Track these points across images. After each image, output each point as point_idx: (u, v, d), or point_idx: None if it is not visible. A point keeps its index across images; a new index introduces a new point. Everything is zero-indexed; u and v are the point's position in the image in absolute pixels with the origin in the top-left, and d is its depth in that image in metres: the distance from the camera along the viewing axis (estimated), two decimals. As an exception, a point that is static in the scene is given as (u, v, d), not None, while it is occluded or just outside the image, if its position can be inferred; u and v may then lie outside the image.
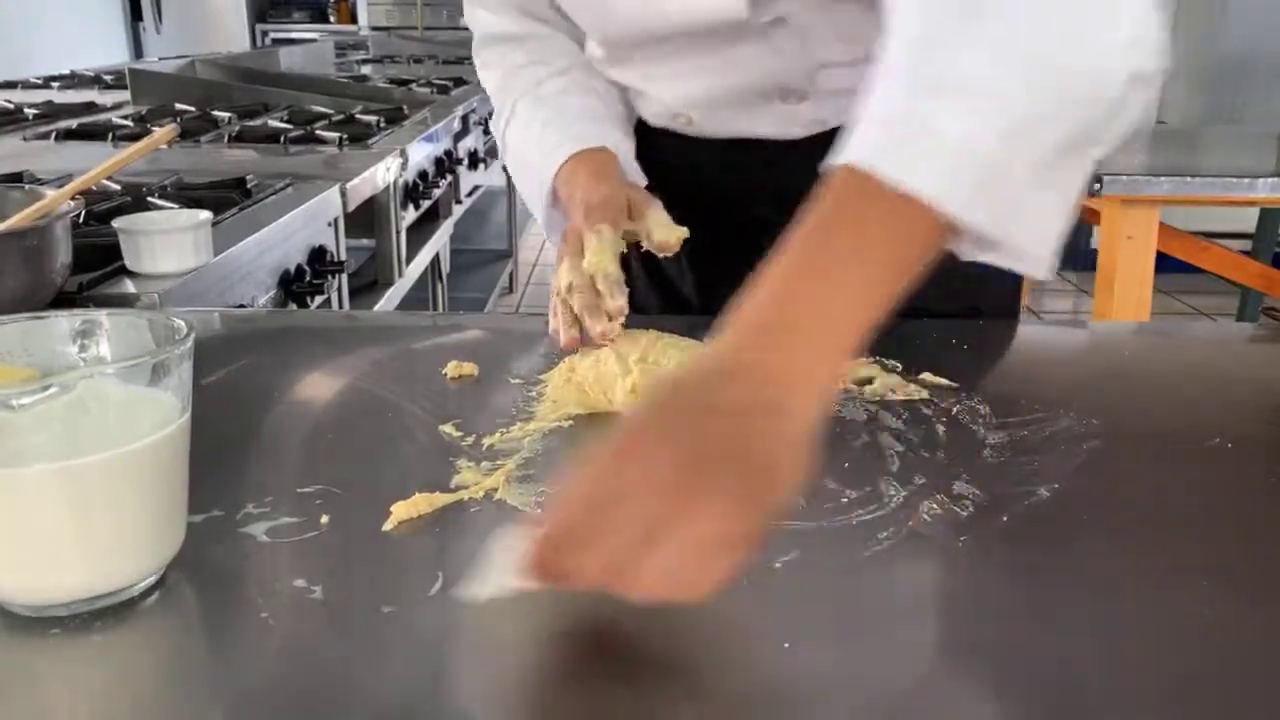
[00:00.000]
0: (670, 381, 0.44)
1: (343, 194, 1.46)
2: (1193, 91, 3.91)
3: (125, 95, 2.42)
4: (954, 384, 0.70)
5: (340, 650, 0.43)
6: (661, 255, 0.78)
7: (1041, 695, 0.41)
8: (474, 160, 2.59)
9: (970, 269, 0.54)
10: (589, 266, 0.72)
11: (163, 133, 0.90)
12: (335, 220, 1.47)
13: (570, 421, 0.65)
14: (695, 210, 0.81)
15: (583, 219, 0.76)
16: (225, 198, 1.31)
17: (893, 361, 0.73)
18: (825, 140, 0.62)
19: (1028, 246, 0.51)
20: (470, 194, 2.63)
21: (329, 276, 1.39)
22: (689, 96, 0.87)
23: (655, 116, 0.92)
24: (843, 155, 0.49)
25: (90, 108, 2.27)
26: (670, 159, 0.91)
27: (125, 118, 2.01)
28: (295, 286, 1.31)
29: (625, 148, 0.87)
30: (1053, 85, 0.49)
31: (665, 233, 0.77)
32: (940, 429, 0.64)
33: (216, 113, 2.07)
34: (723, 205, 0.89)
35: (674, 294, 0.98)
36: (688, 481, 0.40)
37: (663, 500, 0.39)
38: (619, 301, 0.70)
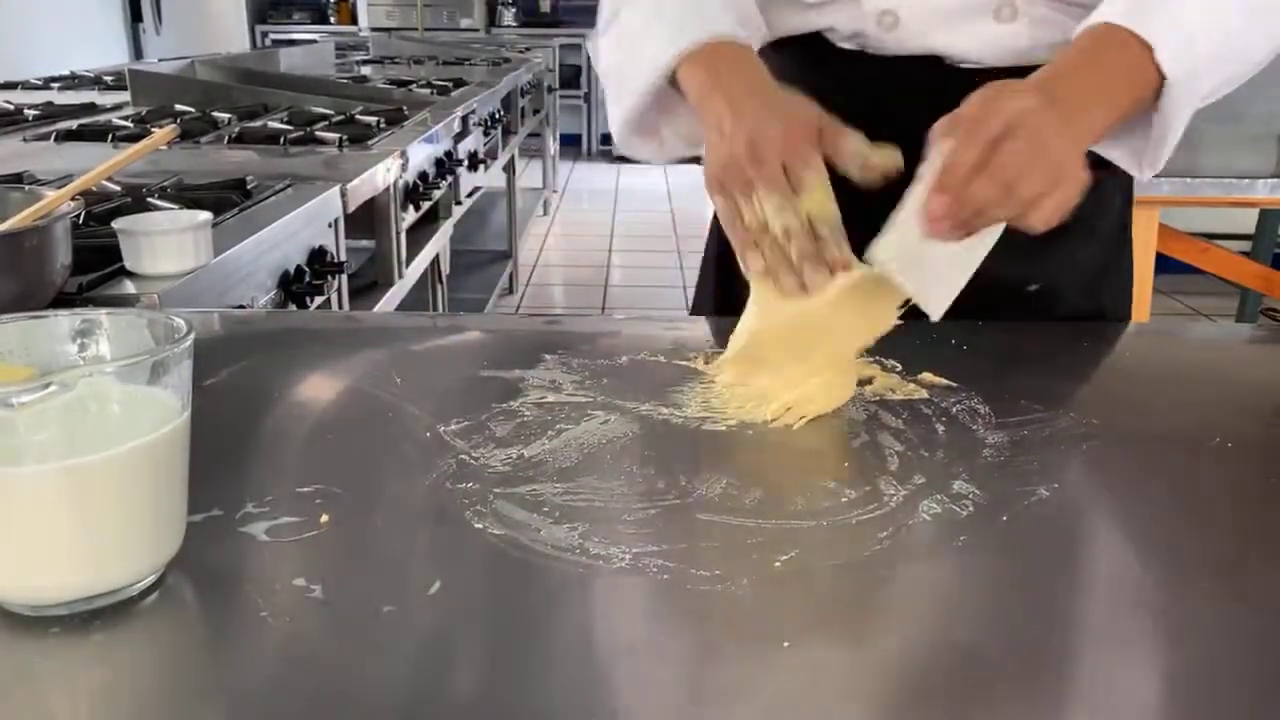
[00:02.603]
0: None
1: (343, 195, 1.46)
2: (1192, 92, 3.90)
3: (125, 96, 2.41)
4: (954, 384, 0.70)
5: (340, 650, 0.43)
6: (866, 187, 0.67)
7: (1041, 695, 0.41)
8: (474, 161, 2.59)
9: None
10: (813, 208, 0.65)
11: (163, 134, 0.90)
12: (335, 221, 1.47)
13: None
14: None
15: (784, 143, 0.66)
16: (225, 198, 1.31)
17: (892, 361, 0.73)
18: (1017, 75, 0.72)
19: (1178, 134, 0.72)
20: (470, 195, 2.63)
21: (329, 277, 1.39)
22: None
23: (850, 21, 0.84)
24: (1095, 18, 0.69)
25: (90, 109, 2.27)
26: (830, 88, 0.77)
27: (125, 119, 2.01)
28: (295, 287, 1.31)
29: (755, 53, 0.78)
30: None
31: (882, 156, 0.66)
32: (940, 429, 0.64)
33: (216, 114, 2.07)
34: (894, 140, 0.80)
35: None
36: (1042, 118, 0.62)
37: (1033, 125, 0.61)
38: (846, 253, 0.65)
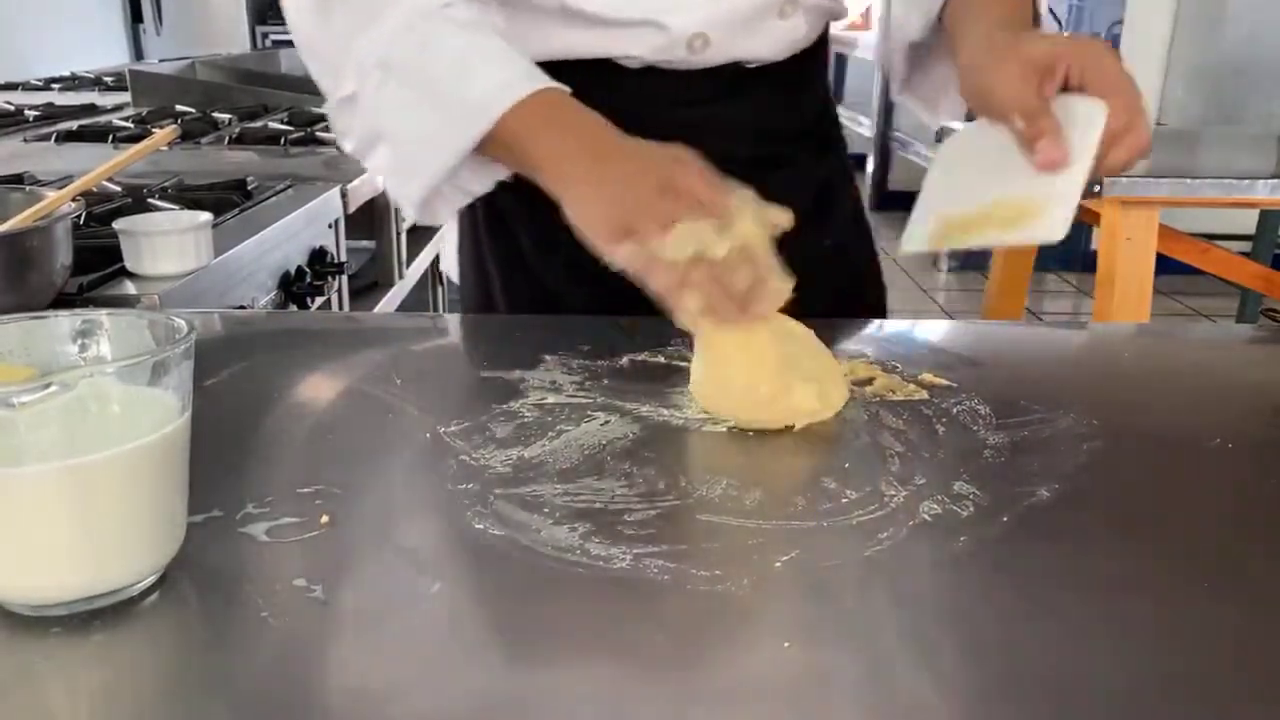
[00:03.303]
0: None
1: (343, 195, 1.47)
2: (1193, 92, 3.91)
3: (126, 97, 2.42)
4: (953, 384, 0.70)
5: (340, 650, 0.43)
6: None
7: (1042, 695, 0.41)
8: (474, 162, 2.58)
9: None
10: (748, 238, 0.62)
11: (163, 134, 0.90)
12: (336, 222, 1.47)
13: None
14: None
15: (698, 176, 0.64)
16: (226, 199, 1.31)
17: (893, 362, 0.73)
18: (795, 64, 0.85)
19: None
20: (470, 195, 2.62)
21: (329, 278, 1.39)
22: (712, 15, 0.82)
23: (656, 48, 0.83)
24: None
25: (90, 109, 2.27)
26: (626, 105, 0.78)
27: (126, 119, 2.01)
28: (295, 288, 1.31)
29: None
30: None
31: (775, 212, 0.65)
32: (940, 429, 0.64)
33: (217, 114, 2.07)
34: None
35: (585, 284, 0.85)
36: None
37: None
38: (787, 281, 0.63)
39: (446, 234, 1.01)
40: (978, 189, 0.67)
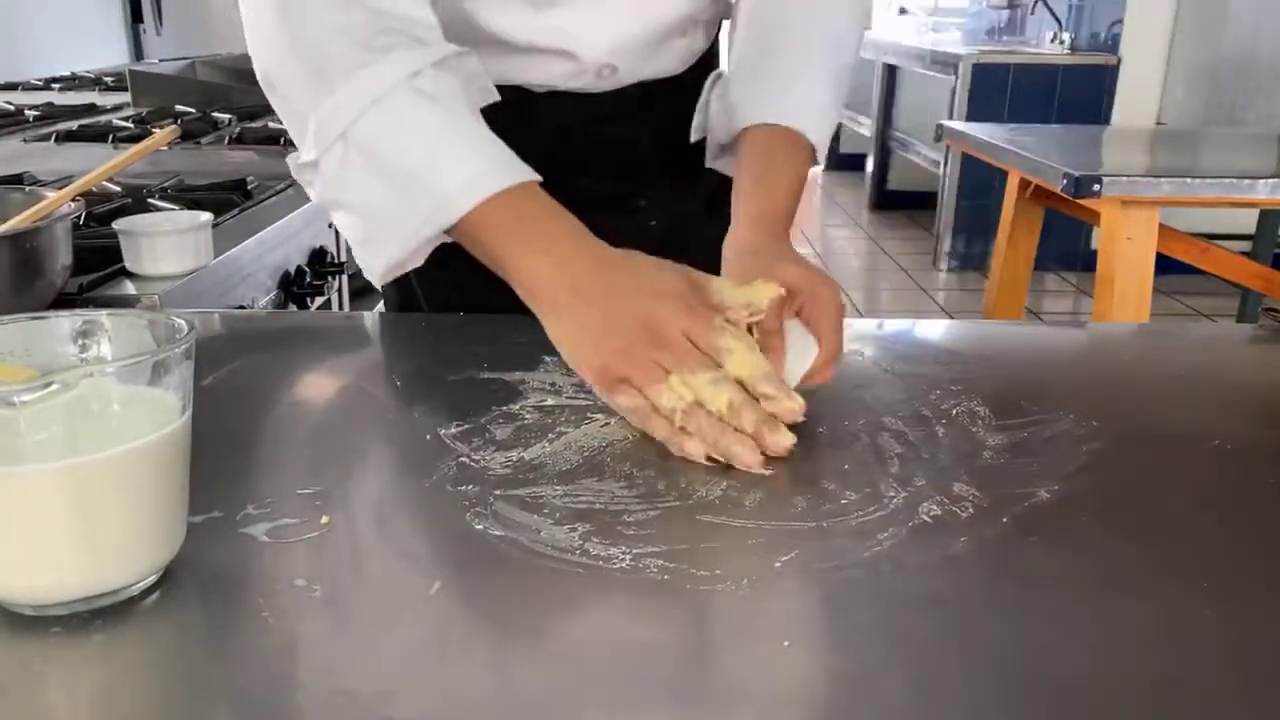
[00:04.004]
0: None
1: (343, 195, 1.46)
2: (1193, 92, 3.92)
3: (125, 97, 2.42)
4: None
5: (341, 651, 0.43)
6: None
7: (1042, 696, 0.41)
8: (474, 162, 2.59)
9: None
10: (748, 370, 0.61)
11: (163, 134, 0.90)
12: (336, 222, 1.47)
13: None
14: (570, 181, 0.72)
15: (682, 315, 0.62)
16: (226, 199, 1.31)
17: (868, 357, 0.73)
18: (694, 73, 0.92)
19: None
20: (470, 195, 2.62)
21: (329, 278, 1.39)
22: (620, 44, 0.85)
23: (564, 75, 0.85)
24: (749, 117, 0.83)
25: (90, 109, 2.28)
26: (535, 128, 0.80)
27: (126, 119, 2.01)
28: (295, 288, 1.31)
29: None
30: None
31: (760, 291, 0.66)
32: (940, 430, 0.64)
33: (217, 114, 2.07)
34: (596, 165, 0.90)
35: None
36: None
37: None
38: (799, 400, 0.62)
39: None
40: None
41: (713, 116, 0.89)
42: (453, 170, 0.66)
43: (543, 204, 0.67)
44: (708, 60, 0.96)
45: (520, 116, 0.78)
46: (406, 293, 0.95)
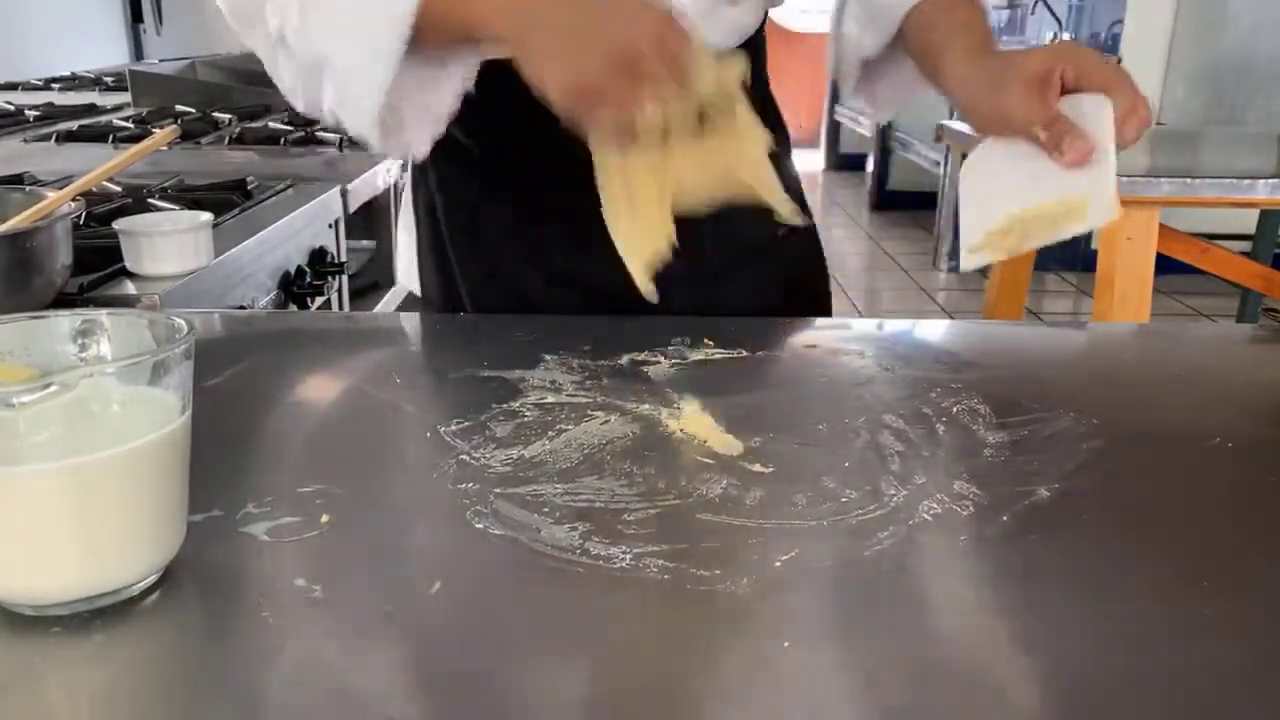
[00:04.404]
0: None
1: (343, 195, 1.47)
2: (1193, 92, 3.92)
3: (126, 97, 2.42)
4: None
5: (341, 650, 0.43)
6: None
7: (1041, 695, 0.41)
8: (474, 162, 2.59)
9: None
10: (718, 86, 0.63)
11: (163, 134, 0.90)
12: (336, 222, 1.47)
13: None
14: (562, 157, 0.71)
15: (660, 51, 0.61)
16: (226, 199, 1.31)
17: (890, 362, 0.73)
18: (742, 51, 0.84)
19: None
20: (470, 195, 2.62)
21: (329, 278, 1.39)
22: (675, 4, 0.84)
23: None
24: None
25: (91, 109, 2.28)
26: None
27: (126, 119, 2.01)
28: (296, 288, 1.31)
29: None
30: None
31: (723, 67, 0.65)
32: (940, 429, 0.64)
33: (217, 114, 2.07)
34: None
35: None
36: None
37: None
38: (760, 128, 0.64)
39: (402, 247, 1.01)
40: (1018, 198, 0.70)
41: (850, 36, 0.87)
42: None
43: None
44: (756, 40, 0.92)
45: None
46: (454, 301, 0.94)
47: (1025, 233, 0.69)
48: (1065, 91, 0.69)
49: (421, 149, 0.76)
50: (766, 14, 0.94)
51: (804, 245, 0.99)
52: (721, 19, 0.87)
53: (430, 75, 0.71)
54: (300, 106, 0.76)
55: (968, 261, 0.71)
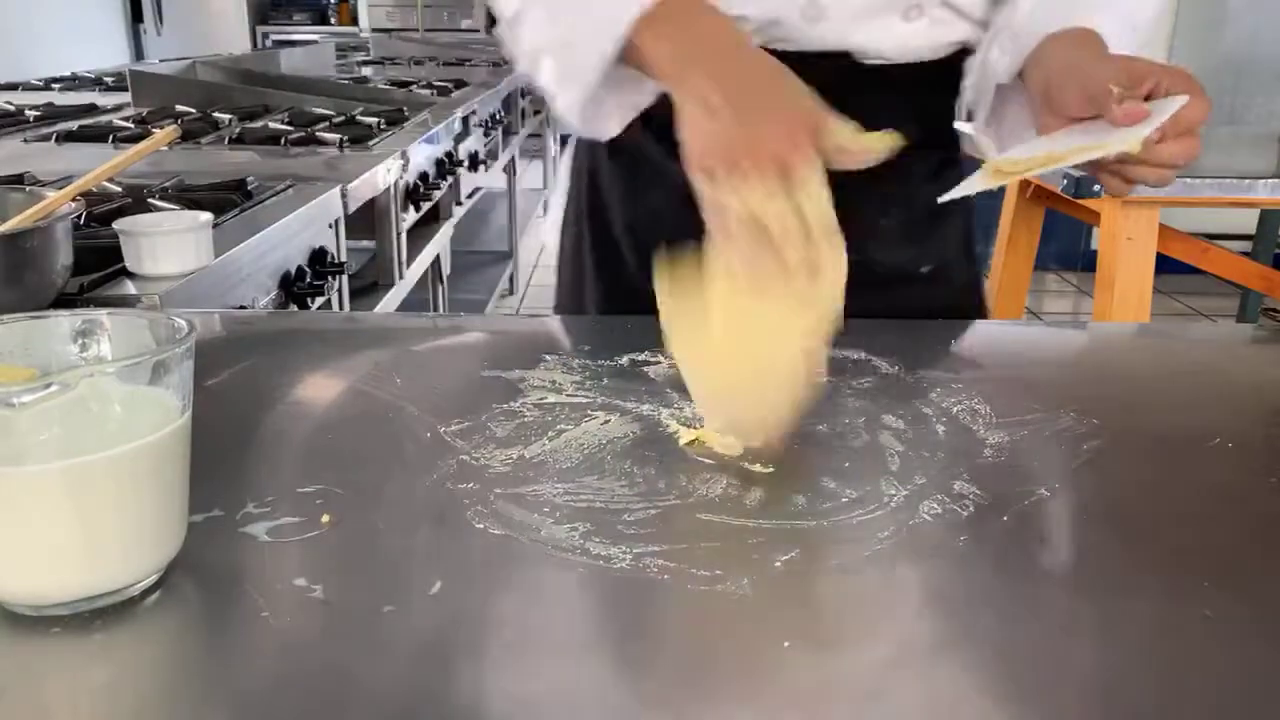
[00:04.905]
0: None
1: (343, 195, 1.47)
2: (1193, 93, 3.90)
3: (126, 97, 2.42)
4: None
5: (340, 650, 0.43)
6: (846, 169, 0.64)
7: (1042, 695, 0.41)
8: (475, 162, 2.59)
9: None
10: (809, 208, 0.60)
11: (163, 134, 0.90)
12: (336, 222, 1.47)
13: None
14: None
15: (784, 135, 0.62)
16: (226, 199, 1.31)
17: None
18: (914, 73, 0.85)
19: None
20: (471, 196, 2.63)
21: (329, 278, 1.39)
22: None
23: (770, 9, 0.83)
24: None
25: (91, 109, 2.28)
26: None
27: (126, 119, 2.01)
28: (296, 288, 1.31)
29: None
30: None
31: (872, 138, 0.64)
32: (940, 429, 0.64)
33: (217, 114, 2.07)
34: None
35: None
36: None
37: None
38: (842, 263, 0.61)
39: (552, 208, 1.04)
40: (1042, 145, 0.70)
41: (991, 62, 0.84)
42: None
43: (700, 8, 0.70)
44: (936, 70, 0.88)
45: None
46: (577, 289, 0.96)
47: (1031, 166, 0.68)
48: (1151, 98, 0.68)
49: (614, 132, 0.84)
50: (963, 52, 0.87)
51: (947, 291, 0.95)
52: (887, 29, 0.85)
53: (626, 76, 0.76)
54: (521, 68, 0.82)
55: (955, 192, 0.69)
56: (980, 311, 1.00)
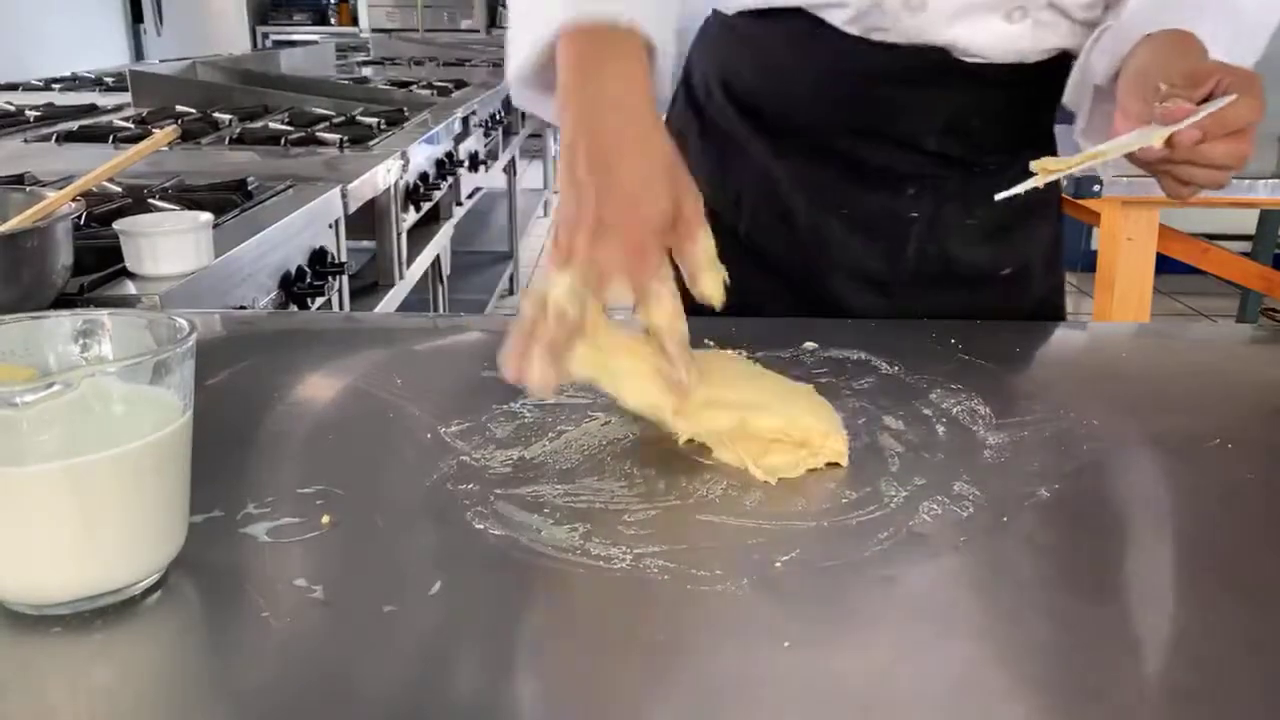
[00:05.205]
0: None
1: (343, 196, 1.47)
2: (1193, 93, 3.90)
3: (126, 97, 2.42)
4: (955, 383, 0.70)
5: (340, 650, 0.43)
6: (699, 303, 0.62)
7: (1041, 695, 0.41)
8: (475, 162, 2.59)
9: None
10: (667, 323, 0.59)
11: (163, 134, 0.90)
12: (336, 222, 1.47)
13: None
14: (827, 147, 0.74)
15: (631, 250, 0.58)
16: (226, 199, 1.31)
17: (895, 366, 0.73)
18: (1012, 74, 0.83)
19: None
20: (471, 196, 2.63)
21: (330, 278, 1.39)
22: None
23: (867, 1, 0.82)
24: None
25: (91, 110, 2.28)
26: (825, 70, 0.83)
27: (126, 120, 2.01)
28: (296, 288, 1.31)
29: (668, 40, 0.69)
30: None
31: (713, 283, 0.61)
32: (940, 429, 0.64)
33: (217, 115, 2.07)
34: (875, 136, 0.85)
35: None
36: None
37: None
38: (694, 381, 0.59)
39: None
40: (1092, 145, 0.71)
41: (1093, 65, 0.81)
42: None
43: (613, 55, 0.65)
44: (1037, 73, 0.86)
45: (811, 59, 0.81)
46: None
47: (1068, 166, 0.68)
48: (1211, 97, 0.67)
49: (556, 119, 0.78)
50: (1066, 57, 0.85)
51: (1026, 296, 0.95)
52: (988, 28, 0.83)
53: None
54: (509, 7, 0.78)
55: (1029, 181, 0.69)
56: (1059, 319, 1.00)
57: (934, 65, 0.84)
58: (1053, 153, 0.88)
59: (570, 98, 0.64)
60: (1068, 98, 0.85)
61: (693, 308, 0.62)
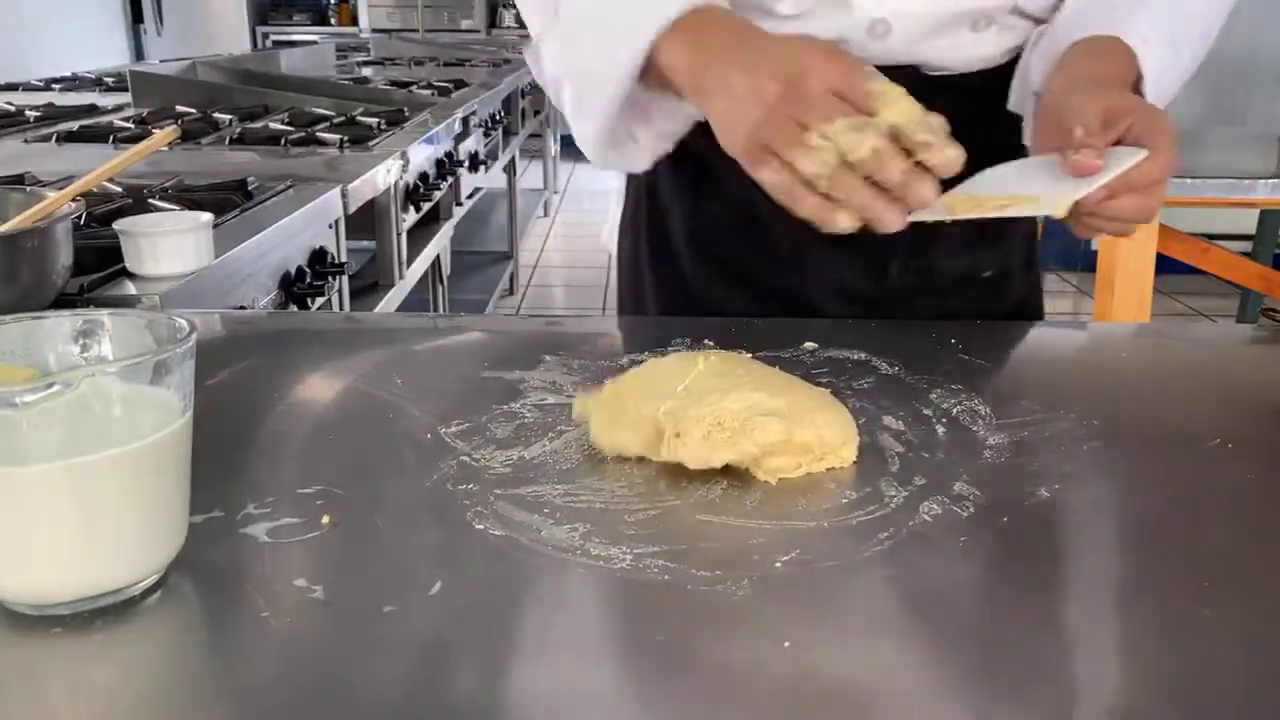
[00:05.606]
0: None
1: (343, 196, 1.47)
2: (1193, 92, 3.91)
3: (126, 97, 2.42)
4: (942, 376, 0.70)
5: (340, 650, 0.43)
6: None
7: (1041, 695, 0.41)
8: (475, 162, 2.59)
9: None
10: (905, 114, 0.57)
11: (163, 135, 0.90)
12: (336, 222, 1.47)
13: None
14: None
15: (826, 67, 0.59)
16: (226, 200, 1.31)
17: (895, 367, 0.73)
18: (978, 80, 0.84)
19: None
20: (471, 196, 2.63)
21: (330, 278, 1.40)
22: (899, 6, 0.80)
23: (835, 30, 0.82)
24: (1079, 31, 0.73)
25: (91, 110, 2.28)
26: None
27: (126, 120, 2.01)
28: (296, 288, 1.31)
29: None
30: None
31: (909, 108, 0.59)
32: (940, 429, 0.64)
33: (217, 115, 2.07)
34: None
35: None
36: None
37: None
38: (957, 148, 0.58)
39: (611, 211, 1.03)
40: (997, 186, 0.69)
41: (1030, 68, 0.82)
42: (637, 6, 0.68)
43: (719, 16, 0.67)
44: (1002, 74, 0.86)
45: None
46: (637, 295, 0.95)
47: (979, 206, 0.67)
48: (1121, 142, 0.67)
49: (643, 167, 0.80)
50: (1020, 62, 0.85)
51: (1007, 296, 0.95)
52: (955, 40, 0.83)
53: (664, 100, 0.74)
54: (549, 94, 0.80)
55: (914, 215, 0.65)
56: (1038, 317, 0.99)
57: (903, 82, 0.84)
58: (1020, 147, 0.89)
59: (699, 60, 0.65)
60: (1012, 103, 0.85)
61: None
